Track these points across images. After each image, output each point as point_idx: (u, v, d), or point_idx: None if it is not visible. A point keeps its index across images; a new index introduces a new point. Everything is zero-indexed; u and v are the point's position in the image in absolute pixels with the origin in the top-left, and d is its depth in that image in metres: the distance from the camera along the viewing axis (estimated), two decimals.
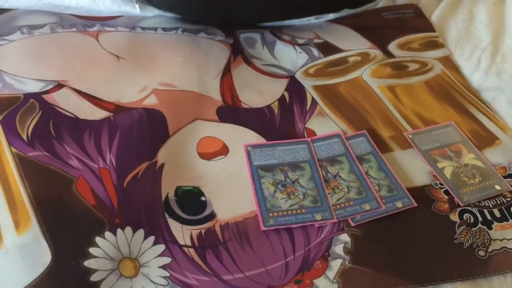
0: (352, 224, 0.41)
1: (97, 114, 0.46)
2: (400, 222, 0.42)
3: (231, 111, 0.50)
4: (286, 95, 0.53)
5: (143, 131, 0.46)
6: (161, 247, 0.38)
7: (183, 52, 0.56)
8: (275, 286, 0.37)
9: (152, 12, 0.59)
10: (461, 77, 0.59)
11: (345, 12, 0.64)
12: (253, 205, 0.41)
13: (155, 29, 0.58)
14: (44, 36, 0.53)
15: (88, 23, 0.56)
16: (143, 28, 0.58)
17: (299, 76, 0.56)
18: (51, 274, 0.35)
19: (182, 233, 0.39)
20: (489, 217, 0.43)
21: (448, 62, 0.60)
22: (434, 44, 0.63)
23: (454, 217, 0.43)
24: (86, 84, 0.49)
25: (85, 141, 0.44)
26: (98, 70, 0.51)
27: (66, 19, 0.56)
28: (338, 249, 0.40)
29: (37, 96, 0.46)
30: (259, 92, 0.53)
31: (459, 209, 0.43)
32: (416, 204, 0.43)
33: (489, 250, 0.41)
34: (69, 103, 0.47)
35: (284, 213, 0.41)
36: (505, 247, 0.41)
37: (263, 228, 0.40)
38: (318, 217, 0.41)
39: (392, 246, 0.40)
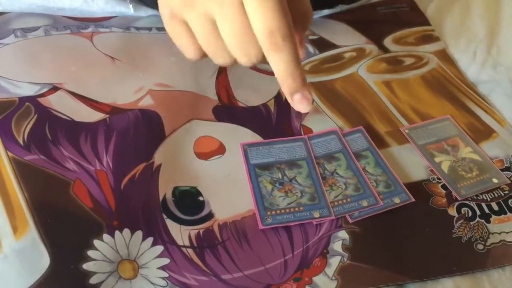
0: (350, 221, 0.41)
1: (93, 116, 0.46)
2: (398, 217, 0.42)
3: (227, 110, 0.50)
4: (282, 92, 0.53)
5: (139, 132, 0.45)
6: (159, 248, 0.38)
7: (178, 51, 0.55)
8: (274, 285, 0.37)
9: (146, 12, 0.59)
10: (457, 71, 0.58)
11: (339, 7, 0.64)
12: (251, 204, 0.41)
13: (149, 29, 0.58)
14: (38, 39, 0.53)
15: (82, 24, 0.56)
16: (138, 28, 0.57)
17: None
18: (50, 278, 0.35)
19: (181, 233, 0.39)
20: (487, 211, 0.43)
21: (444, 55, 0.60)
22: (430, 38, 0.63)
23: (452, 211, 0.43)
24: (81, 86, 0.49)
25: (82, 143, 0.44)
26: (93, 71, 0.51)
27: (60, 21, 0.56)
28: (337, 246, 0.40)
29: (32, 99, 0.46)
30: (254, 90, 0.52)
31: (457, 203, 0.44)
32: (413, 199, 0.43)
33: (488, 243, 0.41)
34: (64, 105, 0.46)
35: (282, 211, 0.41)
36: (504, 240, 0.41)
37: (261, 227, 0.40)
38: (316, 214, 0.41)
39: (390, 242, 0.40)
